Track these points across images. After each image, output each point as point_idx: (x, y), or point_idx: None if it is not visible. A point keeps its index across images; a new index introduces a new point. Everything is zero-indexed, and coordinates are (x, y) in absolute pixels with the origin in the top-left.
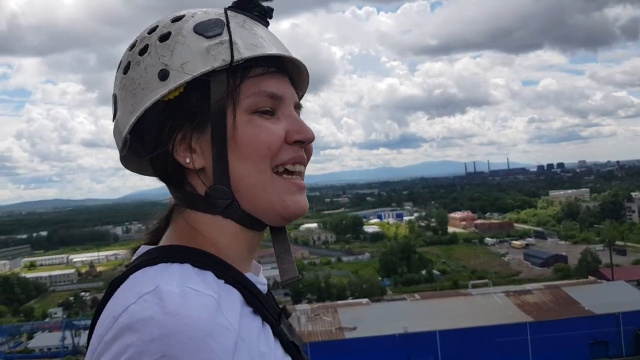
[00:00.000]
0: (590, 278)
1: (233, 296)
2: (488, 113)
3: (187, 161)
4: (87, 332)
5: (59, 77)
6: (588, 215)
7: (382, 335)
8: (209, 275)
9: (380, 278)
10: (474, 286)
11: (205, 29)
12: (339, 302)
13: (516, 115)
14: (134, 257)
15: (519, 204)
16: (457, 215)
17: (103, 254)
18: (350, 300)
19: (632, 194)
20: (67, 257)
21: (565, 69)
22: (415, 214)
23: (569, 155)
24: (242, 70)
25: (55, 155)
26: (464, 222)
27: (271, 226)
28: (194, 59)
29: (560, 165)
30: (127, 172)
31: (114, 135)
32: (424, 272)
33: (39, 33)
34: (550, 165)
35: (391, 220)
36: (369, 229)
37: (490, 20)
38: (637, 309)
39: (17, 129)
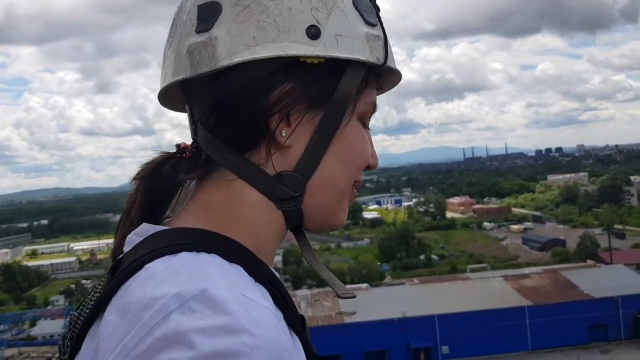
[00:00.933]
0: (589, 262)
1: (270, 301)
2: (486, 98)
3: (283, 133)
4: None
5: (56, 65)
6: (586, 199)
7: (381, 320)
8: (242, 271)
9: (379, 263)
10: (472, 270)
11: (364, 10)
12: None
13: (514, 100)
14: (134, 237)
15: (517, 188)
16: (455, 200)
17: (103, 242)
18: (349, 286)
19: (631, 177)
20: (68, 245)
21: (564, 52)
22: (414, 200)
23: (567, 139)
24: (375, 75)
25: (54, 144)
26: (462, 207)
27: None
28: (354, 39)
29: (559, 149)
30: (126, 160)
31: (186, 49)
32: (422, 257)
33: (36, 21)
34: (548, 150)
35: (390, 206)
36: (368, 215)
37: (488, 4)
38: (636, 292)
39: (15, 118)
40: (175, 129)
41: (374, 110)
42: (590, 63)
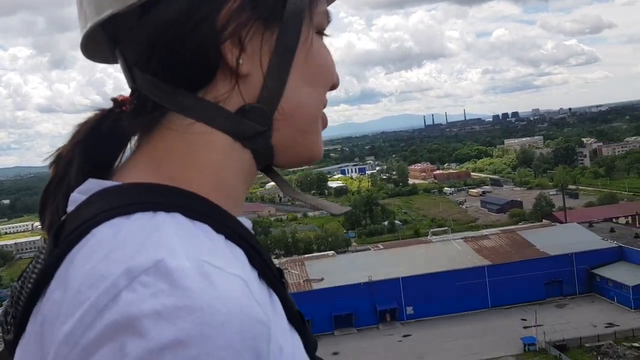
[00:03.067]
0: (545, 221)
1: (244, 261)
2: (444, 66)
3: (237, 59)
4: None
5: (8, 41)
6: (542, 162)
7: (347, 285)
8: (208, 230)
9: (345, 231)
10: (434, 234)
11: None
12: (306, 255)
13: (471, 67)
14: (79, 195)
15: (476, 153)
16: (416, 167)
17: None
18: (316, 254)
19: (583, 139)
20: (32, 225)
21: (517, 19)
22: (377, 168)
23: (522, 104)
24: None
25: (11, 122)
26: (423, 174)
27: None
28: None
29: (515, 114)
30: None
31: None
32: (386, 223)
33: None
34: (505, 115)
35: (354, 175)
36: (333, 184)
37: None
38: (589, 249)
39: None
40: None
41: (328, 20)
42: (543, 29)
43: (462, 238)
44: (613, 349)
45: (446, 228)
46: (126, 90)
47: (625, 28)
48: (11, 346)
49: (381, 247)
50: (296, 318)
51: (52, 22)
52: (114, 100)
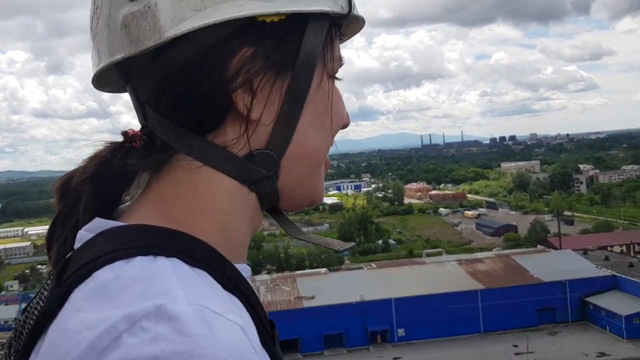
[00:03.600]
0: (539, 247)
1: (241, 309)
2: (443, 86)
3: (248, 105)
4: None
5: (6, 45)
6: (538, 187)
7: (339, 304)
8: (207, 277)
9: None
10: (428, 255)
11: None
12: (298, 272)
13: (469, 88)
14: (85, 233)
15: (472, 175)
16: (412, 186)
17: None
18: (308, 270)
19: (580, 166)
20: (22, 230)
21: (518, 43)
22: (373, 186)
23: (520, 128)
24: (337, 25)
25: (6, 125)
26: (419, 193)
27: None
28: None
29: (512, 137)
30: (82, 143)
31: (120, 22)
32: (380, 241)
33: None
34: (502, 138)
35: (350, 192)
36: (328, 200)
37: None
38: (583, 276)
39: None
40: (131, 112)
41: (341, 64)
42: (543, 53)
43: (456, 260)
44: None
45: (440, 249)
46: (123, 101)
47: (625, 56)
48: None
49: (374, 266)
50: None
51: (51, 27)
52: (125, 134)
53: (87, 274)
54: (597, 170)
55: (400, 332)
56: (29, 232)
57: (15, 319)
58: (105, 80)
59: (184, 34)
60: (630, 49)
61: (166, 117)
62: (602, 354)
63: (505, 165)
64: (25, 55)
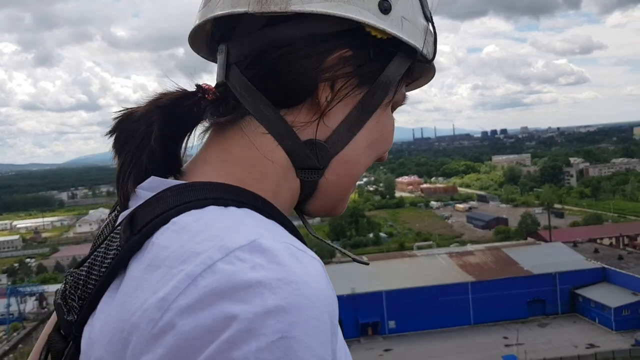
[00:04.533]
0: (529, 239)
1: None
2: (434, 79)
3: (328, 99)
4: (33, 299)
5: None
6: (528, 180)
7: None
8: (277, 225)
9: (329, 241)
10: (419, 248)
11: (424, 3)
12: None
13: (461, 82)
14: (144, 192)
15: (463, 168)
16: (404, 179)
17: (48, 219)
18: None
19: (571, 159)
20: (11, 223)
21: (509, 36)
22: (365, 179)
23: (511, 121)
24: (417, 69)
25: None
26: (410, 187)
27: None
28: (415, 27)
29: (504, 131)
30: (71, 136)
31: None
32: (371, 235)
33: None
34: (493, 131)
35: None
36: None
37: None
38: (573, 269)
39: None
40: (121, 105)
41: (404, 102)
42: (534, 47)
43: (446, 253)
44: None
45: (431, 242)
46: (112, 94)
47: (615, 50)
48: (71, 326)
49: (365, 259)
50: None
51: (39, 19)
52: (198, 86)
53: (164, 221)
54: (587, 164)
55: (391, 324)
56: (18, 226)
57: (69, 272)
58: (199, 35)
59: (305, 13)
60: (620, 43)
61: (252, 82)
62: (592, 346)
63: (496, 158)
64: (13, 47)
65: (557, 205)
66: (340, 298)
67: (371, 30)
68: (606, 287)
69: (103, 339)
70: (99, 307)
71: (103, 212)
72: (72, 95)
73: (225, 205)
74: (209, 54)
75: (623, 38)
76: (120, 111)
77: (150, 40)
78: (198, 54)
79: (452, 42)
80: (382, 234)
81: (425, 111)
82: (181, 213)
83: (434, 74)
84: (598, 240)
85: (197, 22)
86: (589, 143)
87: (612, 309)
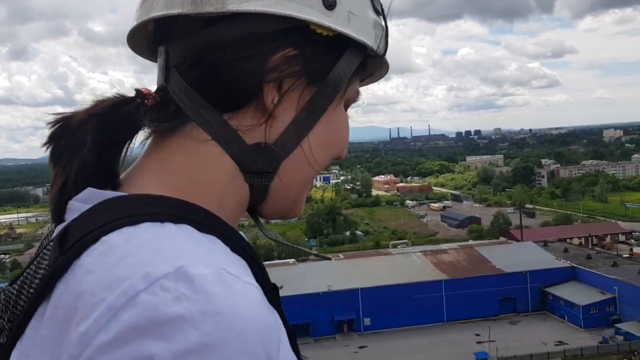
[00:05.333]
0: (502, 238)
1: (251, 273)
2: (411, 80)
3: (274, 100)
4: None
5: None
6: (501, 180)
7: (306, 294)
8: (217, 242)
9: (306, 239)
10: (394, 246)
11: None
12: (267, 262)
13: (437, 83)
14: (79, 204)
15: (438, 168)
16: (380, 178)
17: (23, 215)
18: (277, 261)
19: (542, 160)
20: None
21: (483, 39)
22: (342, 178)
23: (485, 122)
24: (364, 65)
25: None
26: (387, 186)
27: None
28: (363, 22)
29: (477, 132)
30: (48, 132)
31: None
32: (348, 233)
33: None
34: (468, 132)
35: (318, 184)
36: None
37: None
38: (543, 267)
39: None
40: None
41: (357, 99)
42: (507, 50)
43: (421, 251)
44: None
45: (406, 241)
46: (89, 89)
47: (586, 54)
48: (2, 349)
49: (342, 257)
50: (291, 335)
51: (13, 12)
52: (137, 90)
53: (94, 239)
54: (558, 165)
55: (367, 321)
56: None
57: (3, 289)
58: (137, 36)
59: (243, 13)
60: (591, 47)
61: (191, 85)
62: (561, 343)
63: (470, 158)
64: None
65: (528, 205)
66: (317, 295)
67: (316, 28)
68: (575, 286)
69: None
70: (26, 333)
71: None
72: (48, 90)
73: (162, 221)
74: (152, 55)
75: (594, 43)
76: (55, 120)
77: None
78: (140, 55)
79: (428, 44)
80: (358, 232)
81: (402, 111)
82: (113, 230)
83: (387, 69)
84: (568, 240)
85: (135, 23)
86: (560, 145)
87: (580, 307)
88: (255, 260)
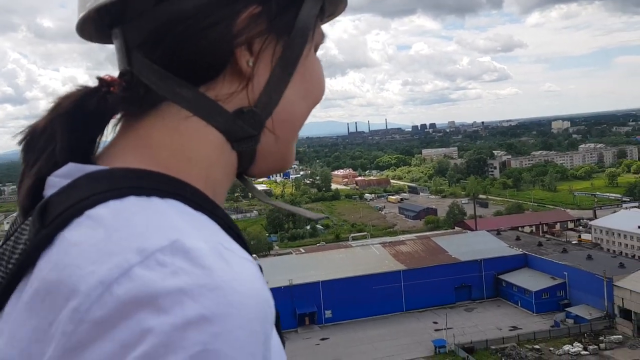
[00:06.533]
0: (457, 228)
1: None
2: (367, 75)
3: (249, 63)
4: None
5: None
6: (455, 172)
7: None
8: (205, 217)
9: (267, 234)
10: (354, 239)
11: None
12: None
13: (392, 78)
14: (57, 179)
15: (396, 161)
16: (339, 173)
17: None
18: None
19: (494, 152)
20: None
21: (436, 34)
22: (301, 173)
23: (440, 116)
24: (328, 4)
25: None
26: (346, 180)
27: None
28: None
29: (432, 125)
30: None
31: None
32: (308, 227)
33: None
34: (423, 126)
35: (279, 179)
36: (257, 187)
37: None
38: (497, 255)
39: None
40: (49, 98)
41: (324, 39)
42: (459, 45)
43: (380, 243)
44: (516, 350)
45: (366, 233)
46: (40, 87)
47: (535, 48)
48: None
49: (303, 251)
50: (277, 314)
51: None
52: (100, 79)
53: (77, 213)
54: (509, 156)
55: (328, 313)
56: None
57: None
58: (87, 23)
59: None
60: (539, 41)
61: (158, 64)
62: (515, 328)
63: (426, 151)
64: None
65: (482, 196)
66: (278, 289)
67: None
68: (527, 272)
69: (13, 347)
70: (6, 309)
71: None
72: None
73: (148, 195)
74: (101, 38)
75: (541, 37)
76: (23, 136)
77: None
78: (90, 41)
79: (383, 40)
80: (318, 226)
81: (359, 106)
82: (98, 204)
83: (346, 4)
84: (520, 228)
85: (83, 13)
86: (511, 137)
87: (532, 292)
88: (242, 238)
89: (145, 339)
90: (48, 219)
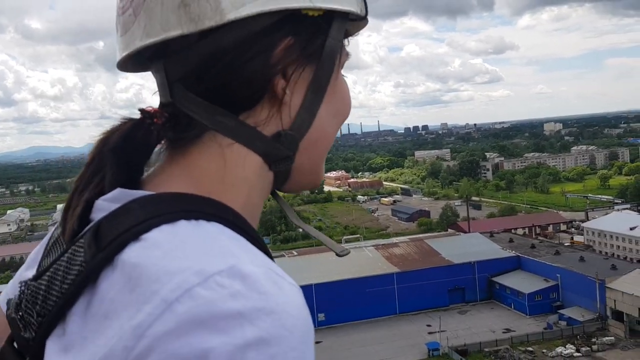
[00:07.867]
0: (450, 231)
1: None
2: (359, 77)
3: (283, 88)
4: None
5: None
6: (448, 174)
7: None
8: (245, 241)
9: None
10: (347, 241)
11: None
12: None
13: (384, 79)
14: (107, 203)
15: (388, 163)
16: (332, 174)
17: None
18: None
19: (487, 154)
20: None
21: (428, 36)
22: None
23: (432, 118)
24: (352, 28)
25: None
26: (338, 181)
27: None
28: None
29: (425, 127)
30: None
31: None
32: (301, 229)
33: None
34: (415, 128)
35: None
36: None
37: None
38: (490, 257)
39: None
40: (38, 100)
41: (348, 58)
42: (451, 47)
43: (373, 245)
44: (509, 353)
45: (358, 235)
46: (29, 89)
47: (526, 50)
48: (28, 343)
49: (295, 253)
50: None
51: None
52: (143, 111)
53: (134, 237)
54: (502, 158)
55: (321, 316)
56: None
57: (24, 283)
58: (128, 59)
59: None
60: (530, 44)
61: (201, 96)
62: (508, 330)
63: (418, 153)
64: None
65: (474, 198)
66: None
67: (307, 12)
68: (520, 275)
69: None
70: (68, 328)
71: (22, 212)
72: None
73: (196, 218)
74: (136, 69)
75: (533, 39)
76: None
77: (68, 33)
78: (126, 71)
79: (374, 42)
80: None
81: (352, 108)
82: (152, 228)
83: (367, 23)
84: (512, 230)
85: (125, 53)
86: (504, 138)
87: (525, 294)
88: (272, 259)
89: (207, 358)
90: (103, 242)
